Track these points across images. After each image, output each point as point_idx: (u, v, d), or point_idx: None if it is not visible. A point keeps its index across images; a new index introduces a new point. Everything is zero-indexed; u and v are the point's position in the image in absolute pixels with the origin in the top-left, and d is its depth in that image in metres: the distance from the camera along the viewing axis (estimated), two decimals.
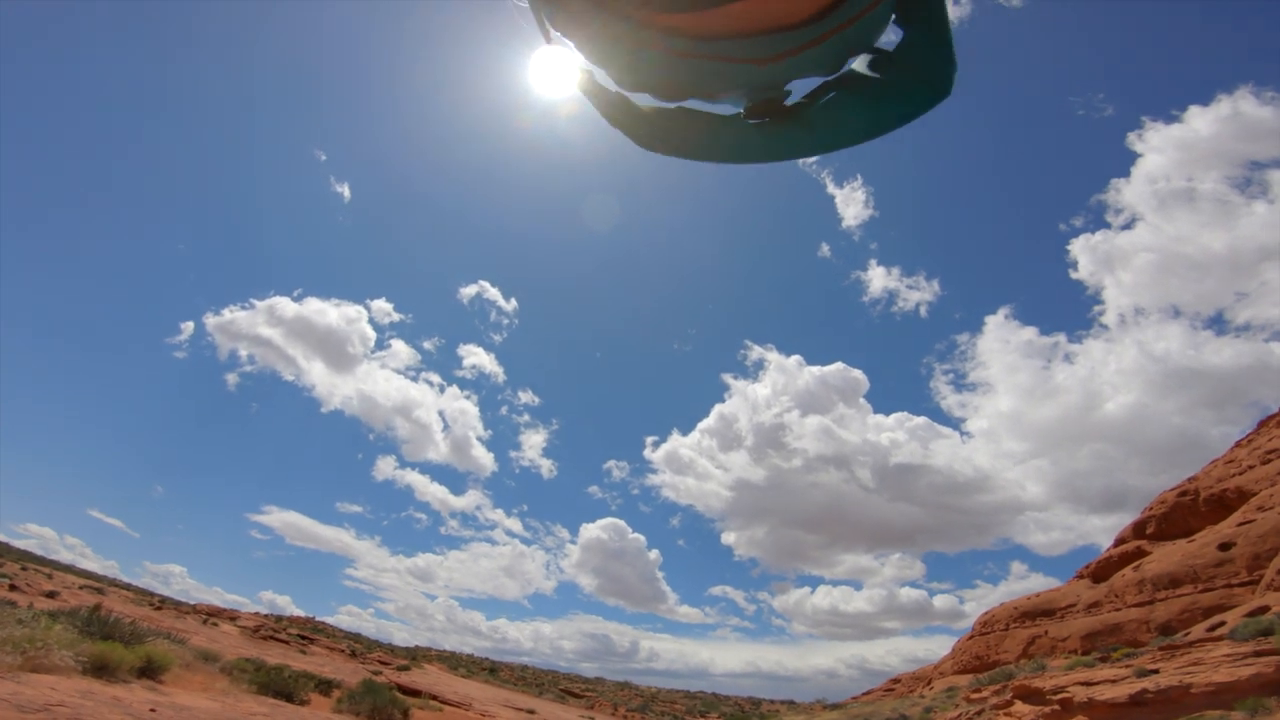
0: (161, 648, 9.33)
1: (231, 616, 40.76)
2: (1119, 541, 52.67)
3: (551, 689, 62.76)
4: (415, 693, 21.57)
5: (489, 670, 78.23)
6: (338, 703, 12.36)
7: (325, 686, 14.93)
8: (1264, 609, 23.13)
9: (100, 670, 7.17)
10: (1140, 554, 47.99)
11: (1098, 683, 16.06)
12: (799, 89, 0.54)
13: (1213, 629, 24.36)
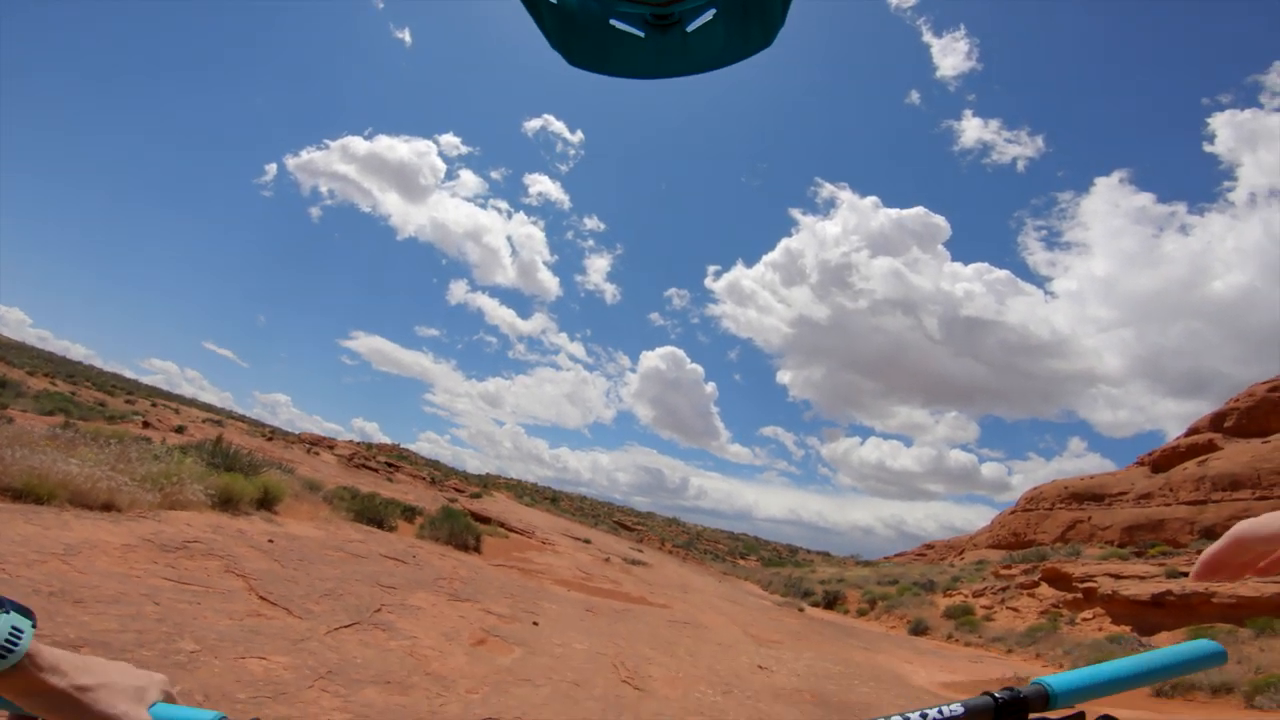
0: (275, 479, 10.75)
1: (330, 445, 45.61)
2: (1191, 431, 49.99)
3: (606, 520, 69.38)
4: (485, 519, 24.37)
5: (551, 499, 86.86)
6: (419, 529, 14.03)
7: (409, 513, 16.97)
8: None
9: (226, 503, 8.44)
10: (1210, 448, 45.90)
11: (1126, 577, 16.51)
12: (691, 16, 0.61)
13: None
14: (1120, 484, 53.12)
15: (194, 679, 3.38)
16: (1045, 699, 0.61)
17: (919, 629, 18.10)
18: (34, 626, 0.55)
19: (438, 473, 64.70)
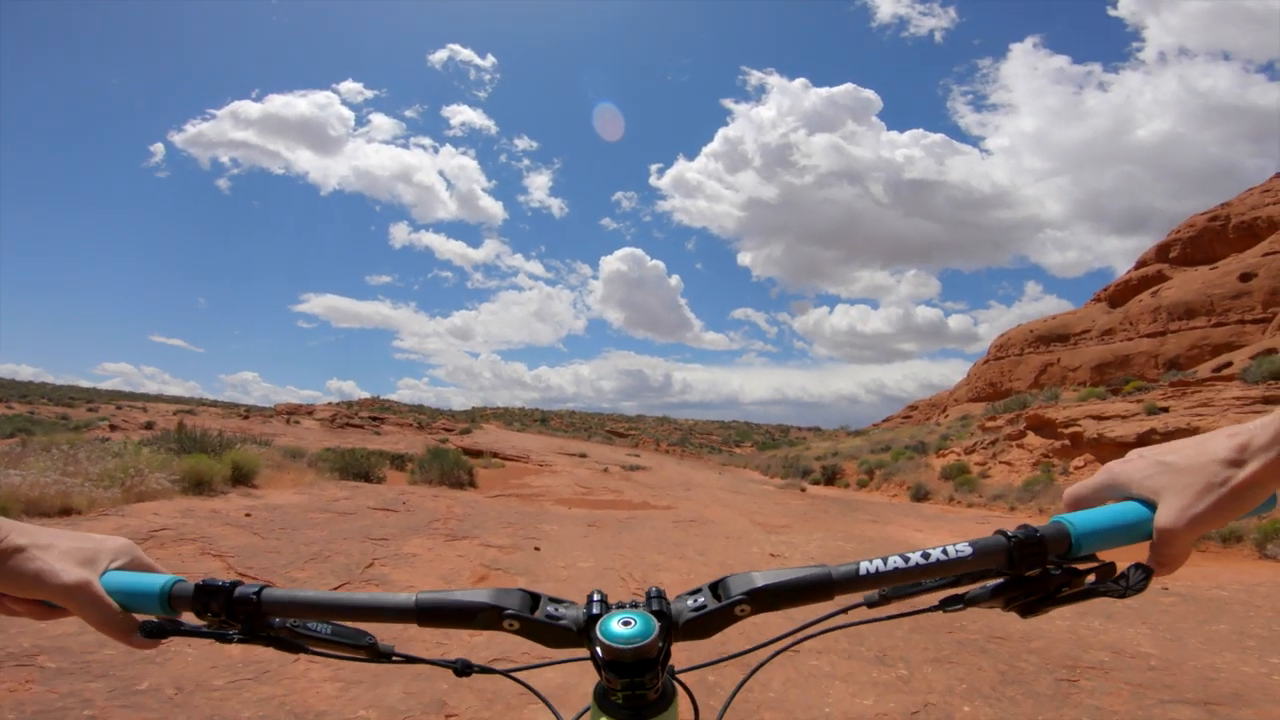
0: (247, 452, 10.32)
1: (309, 411, 44.90)
2: (1140, 264, 51.48)
3: (598, 431, 70.59)
4: (478, 453, 24.43)
5: (540, 420, 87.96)
6: (410, 475, 13.84)
7: (399, 461, 16.77)
8: (1272, 350, 23.32)
9: (198, 486, 8.04)
10: (1160, 278, 47.35)
11: (1108, 418, 16.91)
12: None
13: (1219, 369, 24.97)
14: (1082, 322, 54.69)
15: (166, 673, 3.09)
16: (1066, 541, 0.54)
17: (920, 494, 18.38)
18: None
19: (424, 416, 64.73)
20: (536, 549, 6.79)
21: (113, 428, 23.74)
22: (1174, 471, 0.52)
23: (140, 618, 0.58)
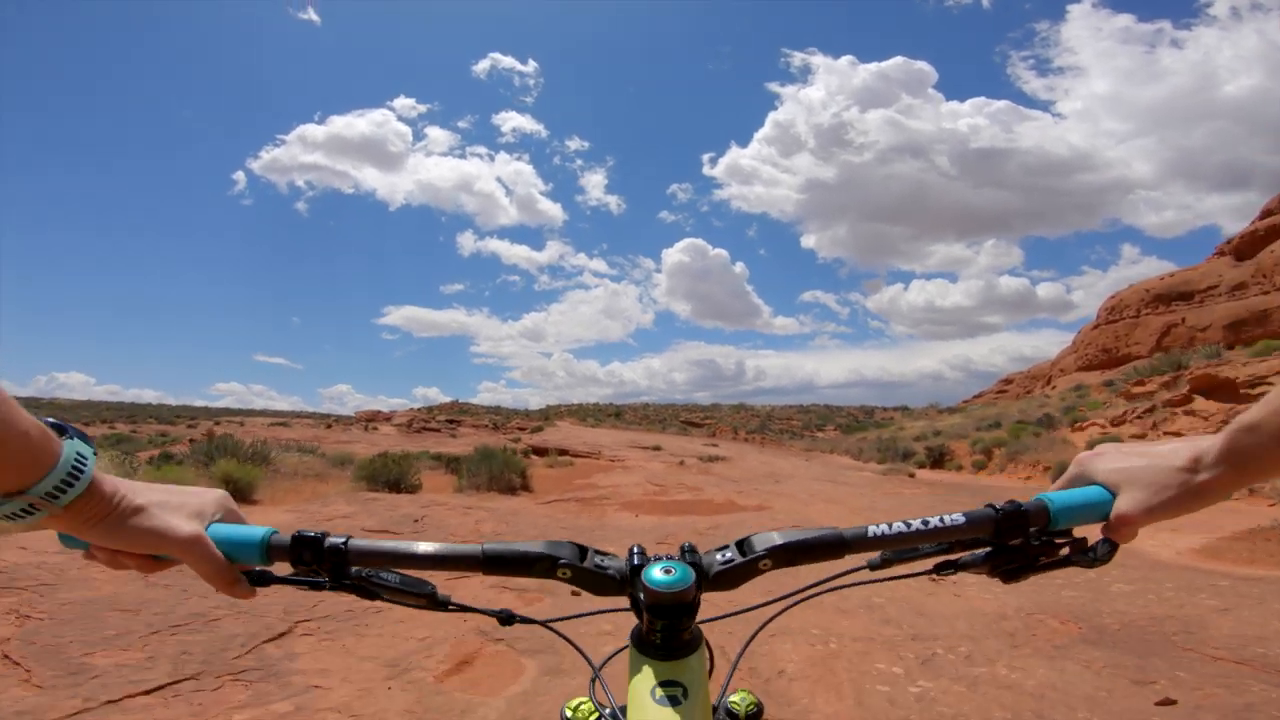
0: (244, 467, 8.80)
1: (387, 418, 45.37)
2: (1266, 214, 45.23)
3: (673, 422, 68.57)
4: (544, 451, 22.76)
5: (615, 415, 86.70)
6: (458, 478, 12.16)
7: (454, 463, 15.19)
8: None
9: None
10: None
11: None
12: None
13: None
14: (1206, 278, 48.03)
15: None
16: (1045, 515, 0.61)
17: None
18: (95, 454, 0.53)
19: (499, 417, 64.76)
20: (576, 593, 4.60)
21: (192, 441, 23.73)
22: (1136, 469, 0.61)
23: (240, 567, 0.62)
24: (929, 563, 0.63)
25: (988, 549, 0.62)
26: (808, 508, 9.54)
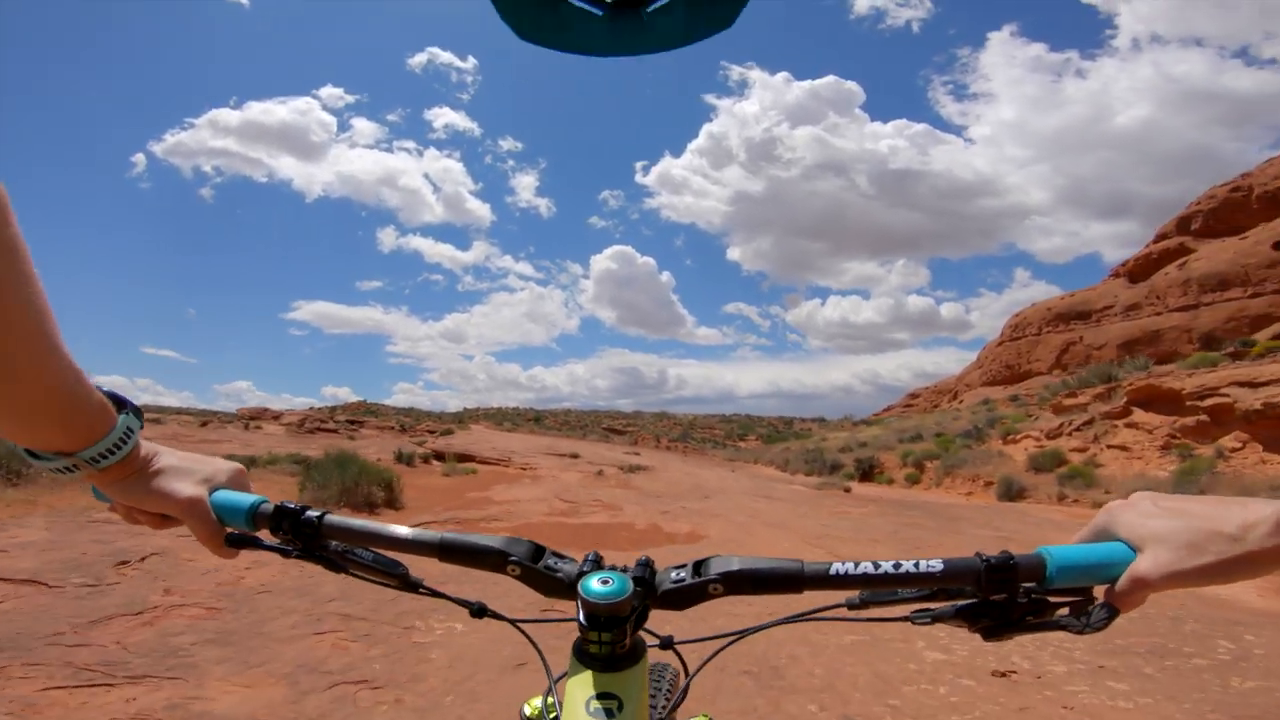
0: None
1: (275, 416, 40.42)
2: (1160, 237, 48.55)
3: (595, 429, 66.20)
4: (441, 457, 19.93)
5: (534, 420, 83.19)
6: (301, 486, 9.53)
7: (307, 467, 12.25)
8: None
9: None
10: (1184, 251, 44.52)
11: (1265, 384, 12.59)
12: None
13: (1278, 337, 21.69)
14: (1103, 298, 51.24)
15: None
16: (1041, 570, 0.54)
17: (1012, 492, 13.86)
18: (141, 426, 0.60)
19: (409, 419, 60.23)
20: (403, 701, 2.30)
21: None
22: (1173, 526, 0.51)
23: (229, 530, 0.65)
24: (908, 608, 0.58)
25: (969, 601, 0.56)
26: (750, 535, 7.54)
